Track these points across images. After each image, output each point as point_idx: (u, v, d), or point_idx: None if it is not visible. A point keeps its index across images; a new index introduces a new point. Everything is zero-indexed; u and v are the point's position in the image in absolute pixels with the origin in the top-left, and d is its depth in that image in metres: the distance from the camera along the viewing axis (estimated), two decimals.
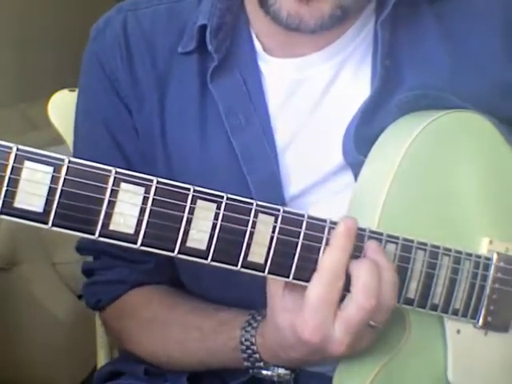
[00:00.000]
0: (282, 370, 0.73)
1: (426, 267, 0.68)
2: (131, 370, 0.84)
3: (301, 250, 0.62)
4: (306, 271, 0.63)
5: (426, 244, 0.68)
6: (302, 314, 0.62)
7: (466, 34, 0.77)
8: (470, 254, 0.70)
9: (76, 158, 0.80)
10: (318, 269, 0.62)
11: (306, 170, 0.77)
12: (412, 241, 0.67)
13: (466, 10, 0.77)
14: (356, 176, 0.73)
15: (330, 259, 0.62)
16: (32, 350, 1.87)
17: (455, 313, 0.70)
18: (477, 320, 0.71)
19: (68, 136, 0.90)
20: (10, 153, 0.53)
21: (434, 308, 0.69)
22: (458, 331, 0.72)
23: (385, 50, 0.73)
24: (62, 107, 0.94)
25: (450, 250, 0.69)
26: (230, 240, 0.60)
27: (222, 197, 0.60)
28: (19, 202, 0.53)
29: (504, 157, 0.75)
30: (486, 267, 0.71)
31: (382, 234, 0.66)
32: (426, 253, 0.68)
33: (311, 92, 0.76)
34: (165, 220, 0.58)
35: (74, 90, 0.90)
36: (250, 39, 0.76)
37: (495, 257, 0.72)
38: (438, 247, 0.69)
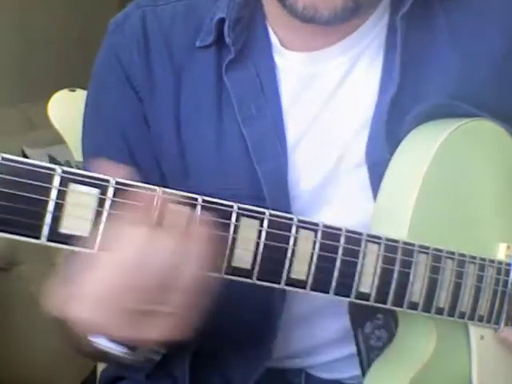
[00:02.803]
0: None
1: (454, 276, 0.68)
2: (132, 375, 0.83)
3: (340, 264, 0.61)
4: (346, 287, 0.62)
5: (453, 253, 0.68)
6: None
7: (472, 31, 0.77)
8: (493, 261, 0.71)
9: (83, 150, 0.81)
10: None
11: (317, 165, 0.76)
12: (441, 250, 0.67)
13: (471, 6, 0.78)
14: (372, 173, 0.74)
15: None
16: (32, 350, 1.86)
17: (480, 319, 0.71)
18: (498, 325, 0.73)
19: (68, 136, 0.90)
20: (53, 175, 0.50)
21: (462, 316, 0.70)
22: (482, 337, 0.72)
23: (403, 45, 0.74)
24: (62, 107, 0.93)
25: (475, 258, 0.70)
26: (274, 258, 0.59)
27: (264, 213, 0.58)
28: (65, 228, 0.50)
29: None
30: (507, 273, 0.73)
31: (413, 245, 0.66)
32: (454, 262, 0.68)
33: (324, 86, 0.76)
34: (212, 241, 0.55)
35: (74, 90, 0.89)
36: (266, 33, 0.77)
37: None
38: (464, 255, 0.69)
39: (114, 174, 0.53)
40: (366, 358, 0.76)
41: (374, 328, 0.76)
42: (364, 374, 0.75)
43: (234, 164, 0.76)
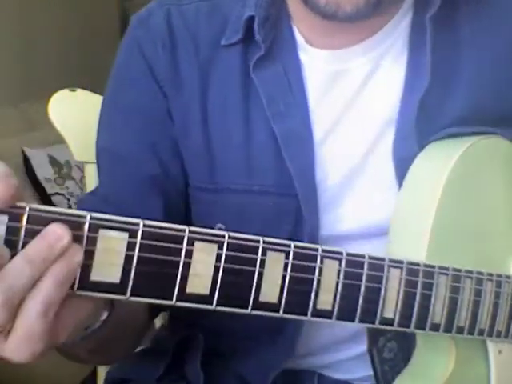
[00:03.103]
0: None
1: (473, 295, 0.68)
2: (141, 377, 0.82)
3: (364, 291, 0.61)
4: (370, 313, 0.62)
5: (471, 272, 0.68)
6: None
7: (495, 34, 0.78)
8: (509, 277, 0.72)
9: (98, 144, 0.81)
10: None
11: (342, 162, 0.77)
12: (460, 270, 0.68)
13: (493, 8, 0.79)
14: (398, 169, 0.74)
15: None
16: None
17: (498, 335, 0.71)
18: None
19: (68, 136, 0.89)
20: (84, 222, 0.49)
21: (481, 333, 0.70)
22: (500, 352, 0.73)
23: (430, 45, 0.74)
24: (62, 107, 0.92)
25: (492, 275, 0.70)
26: (300, 290, 0.58)
27: (290, 245, 0.58)
28: (95, 275, 0.49)
29: None
30: None
31: (434, 267, 0.66)
32: (473, 280, 0.69)
33: (350, 84, 0.77)
34: (237, 277, 0.55)
35: (74, 90, 0.89)
36: (291, 31, 0.77)
37: None
38: (482, 273, 0.69)
39: None
40: (380, 369, 0.77)
41: (385, 341, 0.77)
42: (378, 382, 0.77)
43: (262, 160, 0.76)
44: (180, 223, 0.78)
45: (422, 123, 0.74)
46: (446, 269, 0.67)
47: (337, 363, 0.84)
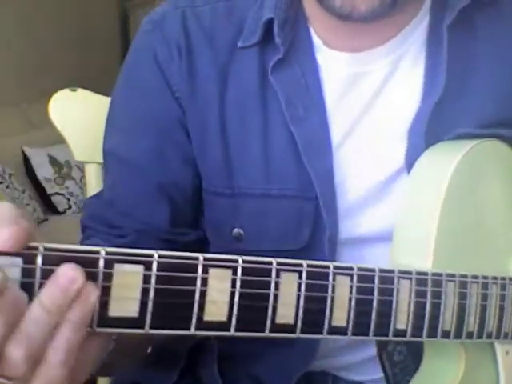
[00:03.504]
0: None
1: (480, 299, 0.69)
2: (154, 382, 0.81)
3: (377, 305, 0.61)
4: (384, 326, 0.62)
5: (477, 277, 0.69)
6: None
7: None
8: None
9: (106, 145, 0.80)
10: None
11: (360, 166, 0.77)
12: (466, 276, 0.68)
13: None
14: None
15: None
16: None
17: (505, 336, 0.72)
18: None
19: (68, 136, 0.89)
20: (98, 258, 0.48)
21: (489, 336, 0.70)
22: (507, 353, 0.74)
23: (447, 51, 0.74)
24: (62, 107, 0.92)
25: (496, 278, 0.71)
26: (315, 309, 0.58)
27: (302, 265, 0.57)
28: (114, 311, 0.48)
29: None
30: None
31: (441, 275, 0.66)
32: (479, 285, 0.69)
33: (367, 87, 0.76)
34: (253, 301, 0.54)
35: (74, 90, 0.89)
36: (308, 33, 0.77)
37: None
38: (486, 277, 0.70)
39: None
40: (391, 372, 0.78)
41: (395, 345, 0.77)
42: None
43: (281, 164, 0.75)
44: (187, 230, 0.79)
45: (434, 127, 0.74)
46: (453, 275, 0.67)
47: (351, 365, 0.85)
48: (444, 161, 0.72)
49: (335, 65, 0.76)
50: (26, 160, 2.46)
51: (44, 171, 2.50)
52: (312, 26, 0.77)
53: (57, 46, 2.84)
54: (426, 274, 0.65)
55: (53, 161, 2.52)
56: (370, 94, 0.76)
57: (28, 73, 2.69)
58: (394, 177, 0.77)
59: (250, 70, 0.76)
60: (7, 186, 2.34)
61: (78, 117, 0.94)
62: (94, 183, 0.97)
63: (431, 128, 0.74)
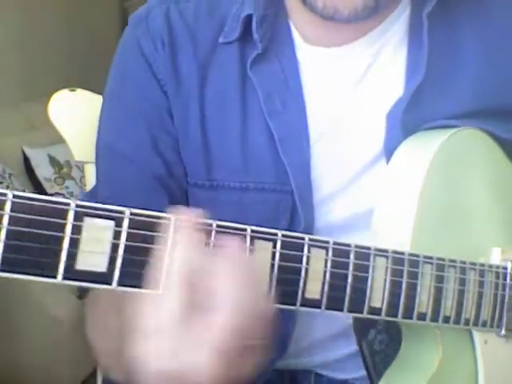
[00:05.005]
0: None
1: (457, 284, 0.69)
2: None
3: (352, 281, 0.61)
4: (358, 303, 0.61)
5: (455, 261, 0.69)
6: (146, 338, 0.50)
7: (496, 31, 0.79)
8: (491, 266, 0.72)
9: (99, 141, 0.80)
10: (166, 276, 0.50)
11: (338, 159, 0.77)
12: (444, 259, 0.68)
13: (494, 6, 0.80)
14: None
15: (181, 261, 0.50)
16: (32, 349, 1.86)
17: (484, 324, 0.71)
18: (500, 328, 0.73)
19: (68, 136, 0.89)
20: (68, 210, 0.47)
21: (467, 322, 0.70)
22: (486, 341, 0.73)
23: (428, 39, 0.75)
24: (62, 107, 0.92)
25: (475, 264, 0.70)
26: (288, 279, 0.57)
27: (277, 234, 0.57)
28: (81, 264, 0.48)
29: (506, 169, 0.78)
30: (505, 276, 0.73)
31: (418, 256, 0.66)
32: (457, 269, 0.69)
33: (346, 81, 0.77)
34: None
35: (74, 90, 0.90)
36: (289, 29, 0.78)
37: (510, 265, 0.74)
38: (465, 263, 0.69)
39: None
40: (371, 362, 0.77)
41: (376, 333, 0.76)
42: (370, 376, 0.76)
43: (258, 157, 0.76)
44: None
45: (413, 112, 0.74)
46: (430, 258, 0.67)
47: (332, 362, 0.84)
48: (424, 147, 0.72)
49: (315, 60, 0.77)
50: (26, 160, 2.46)
51: (44, 171, 2.50)
52: (292, 21, 0.78)
53: (57, 46, 2.86)
54: (402, 253, 0.65)
55: (53, 161, 2.52)
56: (350, 87, 0.77)
57: (28, 73, 2.71)
58: (372, 163, 0.77)
59: (230, 65, 0.77)
60: (7, 186, 2.34)
61: (78, 117, 0.94)
62: (93, 183, 0.97)
63: (409, 113, 0.74)
